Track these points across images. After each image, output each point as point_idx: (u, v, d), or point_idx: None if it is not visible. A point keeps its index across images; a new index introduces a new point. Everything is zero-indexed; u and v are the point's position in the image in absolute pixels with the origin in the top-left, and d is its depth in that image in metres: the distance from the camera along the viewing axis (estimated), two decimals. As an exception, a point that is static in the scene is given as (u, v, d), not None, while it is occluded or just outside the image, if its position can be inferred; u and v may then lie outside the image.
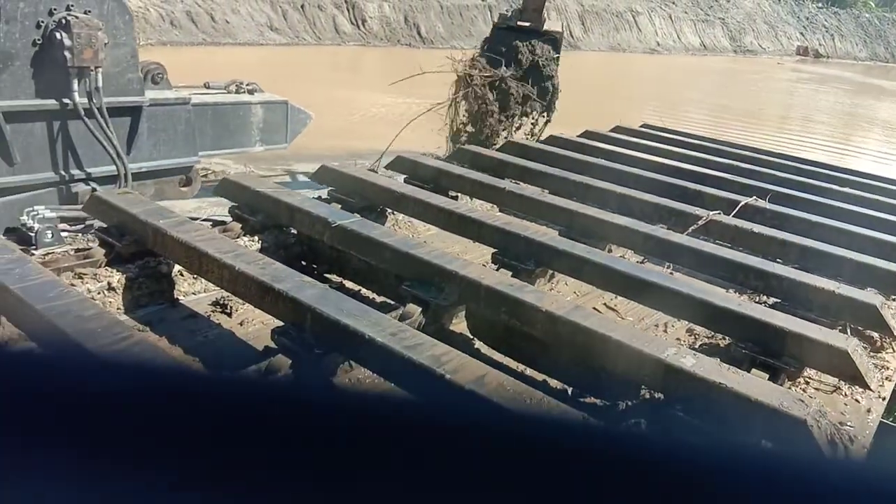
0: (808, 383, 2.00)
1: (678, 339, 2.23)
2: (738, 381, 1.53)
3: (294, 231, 2.27)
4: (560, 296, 1.86)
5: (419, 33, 24.49)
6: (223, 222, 2.32)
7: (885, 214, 3.21)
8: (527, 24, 4.00)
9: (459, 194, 3.09)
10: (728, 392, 1.51)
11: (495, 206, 3.06)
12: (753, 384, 1.55)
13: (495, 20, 4.29)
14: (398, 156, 3.08)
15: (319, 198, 2.71)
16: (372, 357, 1.45)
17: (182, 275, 2.01)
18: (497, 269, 2.27)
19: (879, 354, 2.27)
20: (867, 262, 2.50)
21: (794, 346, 1.82)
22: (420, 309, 1.86)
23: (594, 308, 2.41)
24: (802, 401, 1.50)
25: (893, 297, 2.54)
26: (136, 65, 3.14)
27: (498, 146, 3.78)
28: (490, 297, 1.83)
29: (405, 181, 3.03)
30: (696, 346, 2.14)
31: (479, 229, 2.37)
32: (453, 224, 2.44)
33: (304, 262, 2.27)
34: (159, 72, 3.29)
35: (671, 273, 2.82)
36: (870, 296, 2.15)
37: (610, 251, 2.83)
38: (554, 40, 4.03)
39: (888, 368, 2.20)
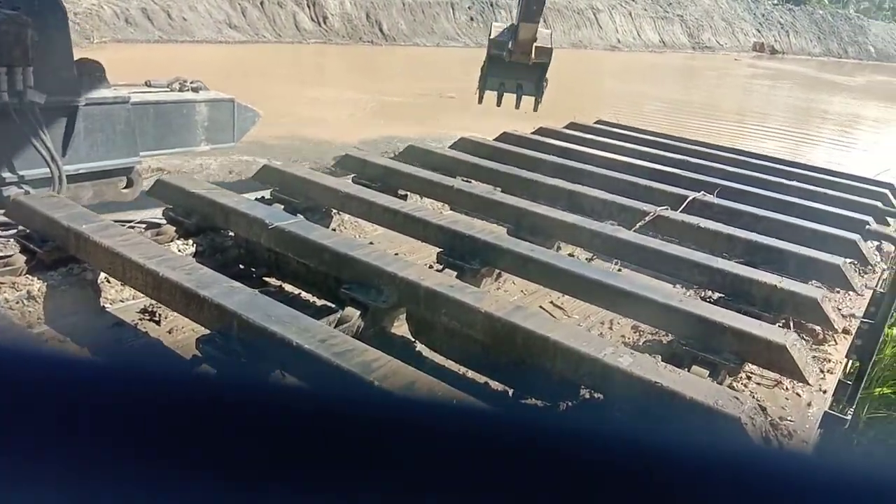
0: (749, 378, 2.00)
1: (623, 336, 2.22)
2: (673, 380, 1.52)
3: (231, 233, 2.20)
4: (500, 296, 1.84)
5: (381, 30, 24.35)
6: (159, 225, 2.24)
7: (831, 207, 3.25)
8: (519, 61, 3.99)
9: (410, 193, 3.05)
10: (664, 391, 1.50)
11: (446, 204, 3.03)
12: (689, 382, 1.54)
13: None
14: (346, 154, 3.02)
15: (263, 198, 2.64)
16: (299, 365, 1.39)
17: (109, 282, 1.93)
18: (442, 269, 2.24)
19: (822, 347, 2.29)
20: (811, 255, 2.52)
21: (734, 342, 1.82)
22: (358, 312, 1.81)
23: (541, 307, 2.39)
24: (737, 398, 1.49)
25: (838, 289, 2.58)
26: (71, 63, 3.03)
27: (450, 144, 3.74)
28: (429, 298, 1.79)
29: (353, 180, 2.98)
30: (641, 344, 2.13)
31: (425, 229, 2.33)
32: (398, 224, 2.40)
33: (241, 266, 2.20)
34: (96, 70, 3.17)
35: (619, 270, 2.82)
36: (811, 289, 2.17)
37: (559, 249, 2.83)
38: (543, 65, 4.01)
39: (830, 361, 2.23)
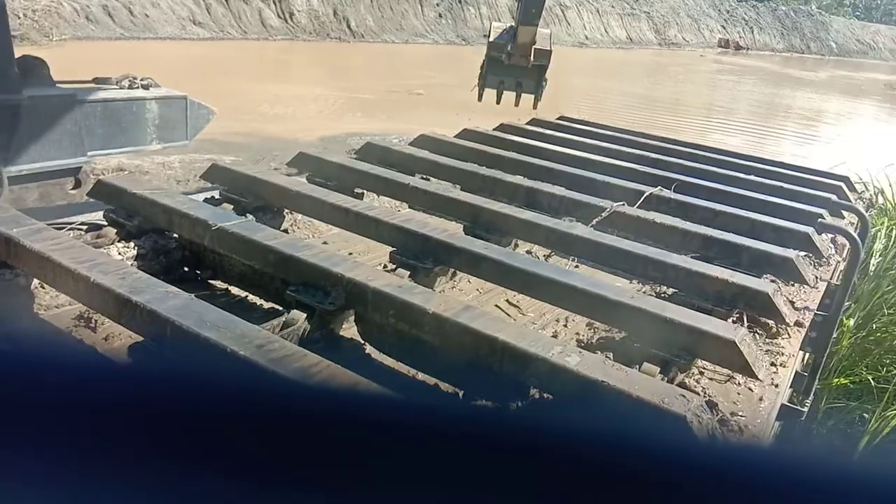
0: (703, 374, 2.00)
1: (578, 333, 2.20)
2: (620, 378, 1.50)
3: (175, 235, 2.13)
4: (448, 296, 1.80)
5: (349, 27, 24.16)
6: (101, 227, 2.16)
7: (786, 201, 3.28)
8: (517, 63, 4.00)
9: (366, 192, 3.00)
10: (611, 390, 1.48)
11: (404, 203, 2.99)
12: (636, 380, 1.52)
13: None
14: (300, 152, 2.96)
15: (212, 198, 2.57)
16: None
17: (44, 287, 1.85)
18: (395, 269, 2.20)
19: (775, 341, 2.30)
20: (764, 249, 2.54)
21: (684, 338, 1.81)
22: (304, 315, 1.76)
23: (496, 305, 2.36)
24: (684, 396, 1.48)
25: (793, 282, 2.60)
26: (12, 59, 2.92)
27: (409, 141, 3.70)
28: (377, 299, 1.75)
29: (308, 179, 2.92)
30: (595, 341, 2.12)
31: (377, 227, 2.29)
32: (350, 223, 2.35)
33: (186, 269, 2.13)
34: (40, 66, 3.06)
35: (576, 266, 2.81)
36: (762, 283, 2.17)
37: (516, 246, 2.81)
38: (542, 66, 4.02)
39: (783, 354, 2.24)
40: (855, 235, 2.60)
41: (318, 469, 0.42)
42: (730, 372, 2.01)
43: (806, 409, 2.96)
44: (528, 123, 4.68)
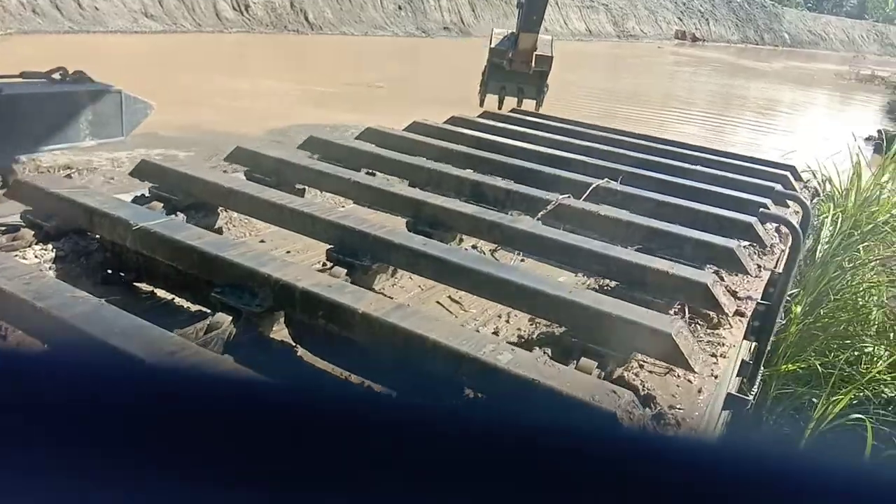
0: (642, 367, 1.98)
1: (519, 329, 2.17)
2: (552, 376, 1.47)
3: (97, 236, 2.03)
4: (381, 295, 1.75)
5: (307, 19, 23.83)
6: (19, 228, 2.05)
7: (731, 191, 3.30)
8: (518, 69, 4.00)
9: (307, 188, 2.93)
10: (541, 388, 1.44)
11: (349, 199, 2.92)
12: (567, 378, 1.49)
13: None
14: (237, 147, 2.87)
15: (143, 196, 2.47)
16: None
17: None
18: (331, 268, 2.14)
19: (717, 331, 2.30)
20: (706, 239, 2.54)
21: (622, 332, 1.79)
22: (230, 318, 1.69)
23: (438, 302, 2.32)
24: (615, 392, 1.45)
25: (735, 272, 2.61)
26: (-72, 53, 2.75)
27: (356, 134, 3.63)
28: (306, 300, 1.69)
29: (246, 175, 2.84)
30: (535, 337, 2.09)
31: (313, 224, 2.22)
32: (285, 220, 2.28)
33: (109, 271, 2.04)
34: (-40, 60, 2.90)
35: (522, 261, 2.78)
36: (702, 274, 2.17)
37: (461, 241, 2.77)
38: (543, 72, 4.03)
39: (723, 345, 2.24)
40: (795, 224, 2.62)
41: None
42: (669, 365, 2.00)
43: (751, 398, 2.99)
44: (480, 116, 4.65)
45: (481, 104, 4.26)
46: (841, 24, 51.09)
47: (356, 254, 2.11)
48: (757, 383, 3.09)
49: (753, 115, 19.91)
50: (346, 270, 2.08)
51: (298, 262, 2.40)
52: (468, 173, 3.09)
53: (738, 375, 3.14)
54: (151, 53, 16.86)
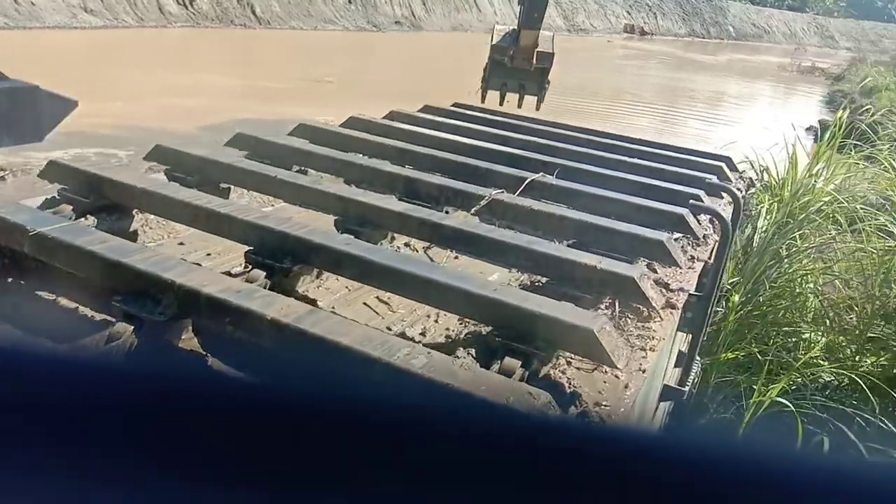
0: (569, 364, 1.96)
1: (448, 328, 2.12)
2: (466, 379, 1.42)
3: (-7, 243, 1.91)
4: (291, 301, 1.68)
5: (254, 13, 23.36)
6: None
7: (666, 183, 3.31)
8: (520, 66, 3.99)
9: (236, 188, 2.82)
10: (456, 392, 1.39)
11: (277, 197, 2.83)
12: (483, 381, 1.45)
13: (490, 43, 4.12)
14: (157, 145, 2.75)
15: (54, 198, 2.34)
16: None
17: None
18: (249, 271, 2.05)
19: (647, 325, 2.29)
20: (636, 232, 2.53)
21: (545, 330, 1.76)
22: (131, 327, 1.60)
23: (364, 303, 2.25)
24: (531, 394, 1.42)
25: (665, 264, 2.61)
26: None
27: (289, 131, 3.52)
28: (212, 306, 1.60)
29: (167, 174, 2.72)
30: (462, 337, 2.04)
31: (231, 225, 2.13)
32: (201, 221, 2.18)
33: (10, 279, 1.91)
34: None
35: (456, 258, 2.73)
36: (629, 268, 2.15)
37: (393, 240, 2.70)
38: (544, 69, 4.00)
39: (653, 339, 2.23)
40: (723, 215, 2.63)
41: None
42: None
43: (687, 389, 3.01)
44: (419, 111, 4.58)
45: (482, 100, 4.28)
46: (783, 17, 52.60)
47: (276, 255, 2.03)
48: (693, 374, 3.11)
49: (701, 107, 20.32)
50: (265, 273, 2.00)
51: (218, 265, 2.31)
52: (401, 169, 3.03)
53: (676, 366, 3.16)
54: (91, 49, 16.30)
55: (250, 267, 2.07)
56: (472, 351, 1.86)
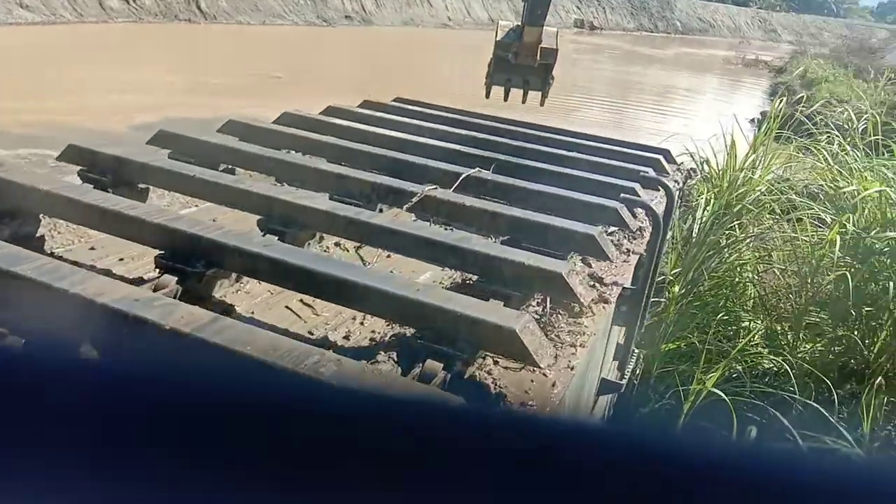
0: (496, 363, 1.91)
1: (374, 331, 2.06)
2: (377, 387, 1.36)
3: None
4: (195, 309, 1.58)
5: (199, 8, 22.79)
6: None
7: (602, 176, 3.31)
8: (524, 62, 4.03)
9: (159, 189, 2.70)
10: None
11: (199, 198, 2.71)
12: (395, 386, 1.39)
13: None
14: (70, 144, 2.60)
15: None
16: None
17: None
18: (161, 275, 1.95)
19: (579, 321, 2.27)
20: (568, 227, 2.50)
21: (467, 331, 1.70)
22: (24, 340, 1.48)
23: (287, 307, 2.17)
24: (445, 399, 1.36)
25: (598, 259, 2.59)
26: None
27: (217, 128, 3.40)
28: (108, 317, 1.50)
29: (80, 175, 2.58)
30: (387, 339, 1.98)
31: (141, 229, 2.01)
32: (110, 225, 2.07)
33: None
34: None
35: (388, 257, 2.67)
36: (558, 264, 2.11)
37: (322, 240, 2.62)
38: (548, 65, 3.97)
39: (584, 335, 2.20)
40: (653, 208, 2.62)
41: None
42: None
43: (623, 383, 3.01)
44: (359, 106, 4.49)
45: (487, 96, 4.26)
46: (728, 12, 53.86)
47: (188, 259, 1.93)
48: (629, 367, 3.11)
49: (651, 99, 20.64)
50: (176, 279, 1.90)
51: (131, 270, 2.20)
52: (333, 167, 2.95)
53: (615, 360, 3.16)
54: (26, 46, 15.65)
55: (160, 272, 1.96)
56: (393, 355, 1.80)
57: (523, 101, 4.34)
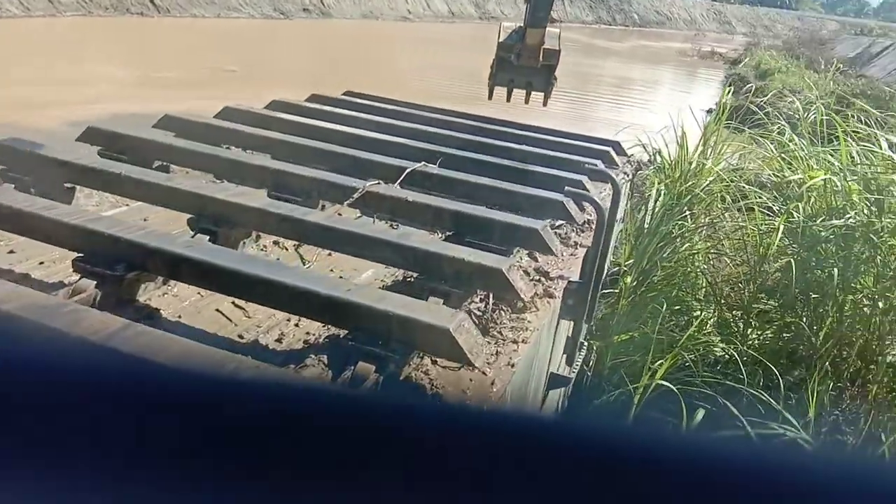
0: (435, 363, 1.86)
1: (308, 333, 1.99)
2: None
3: None
4: (108, 314, 1.50)
5: (152, 1, 22.19)
6: None
7: (550, 170, 3.28)
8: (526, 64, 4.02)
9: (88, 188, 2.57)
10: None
11: (127, 197, 2.60)
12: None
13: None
14: (-7, 143, 2.46)
15: None
16: None
17: None
18: (79, 279, 1.84)
19: (522, 316, 2.23)
20: (512, 222, 2.46)
21: (400, 331, 1.65)
22: (-86, 355, 1.38)
23: (217, 310, 2.08)
24: (367, 405, 1.30)
25: (542, 253, 2.56)
26: None
27: (154, 122, 3.27)
28: (11, 326, 1.40)
29: (1, 175, 2.45)
30: (321, 342, 1.91)
31: (58, 230, 1.91)
32: (27, 227, 1.96)
33: None
34: None
35: (329, 255, 2.59)
36: (498, 260, 2.07)
37: (259, 239, 2.54)
38: (551, 66, 3.91)
39: (527, 330, 2.17)
40: (598, 200, 2.60)
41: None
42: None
43: (572, 377, 2.99)
44: (306, 100, 4.39)
45: (489, 97, 4.23)
46: (683, 4, 54.68)
47: (108, 263, 1.83)
48: (579, 360, 3.10)
49: (610, 92, 20.81)
50: (94, 283, 1.80)
51: (51, 274, 2.09)
52: (271, 162, 2.86)
53: (564, 353, 3.14)
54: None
55: (79, 276, 1.86)
56: (324, 358, 1.74)
57: (526, 102, 4.35)
